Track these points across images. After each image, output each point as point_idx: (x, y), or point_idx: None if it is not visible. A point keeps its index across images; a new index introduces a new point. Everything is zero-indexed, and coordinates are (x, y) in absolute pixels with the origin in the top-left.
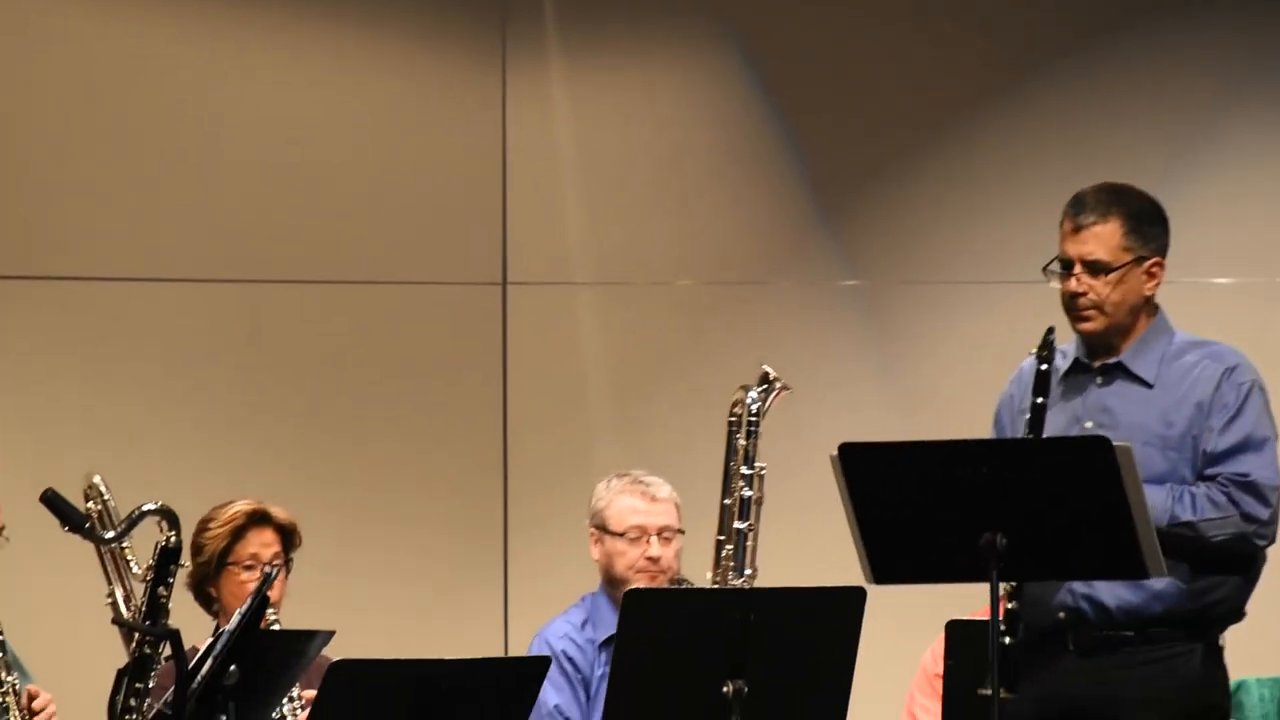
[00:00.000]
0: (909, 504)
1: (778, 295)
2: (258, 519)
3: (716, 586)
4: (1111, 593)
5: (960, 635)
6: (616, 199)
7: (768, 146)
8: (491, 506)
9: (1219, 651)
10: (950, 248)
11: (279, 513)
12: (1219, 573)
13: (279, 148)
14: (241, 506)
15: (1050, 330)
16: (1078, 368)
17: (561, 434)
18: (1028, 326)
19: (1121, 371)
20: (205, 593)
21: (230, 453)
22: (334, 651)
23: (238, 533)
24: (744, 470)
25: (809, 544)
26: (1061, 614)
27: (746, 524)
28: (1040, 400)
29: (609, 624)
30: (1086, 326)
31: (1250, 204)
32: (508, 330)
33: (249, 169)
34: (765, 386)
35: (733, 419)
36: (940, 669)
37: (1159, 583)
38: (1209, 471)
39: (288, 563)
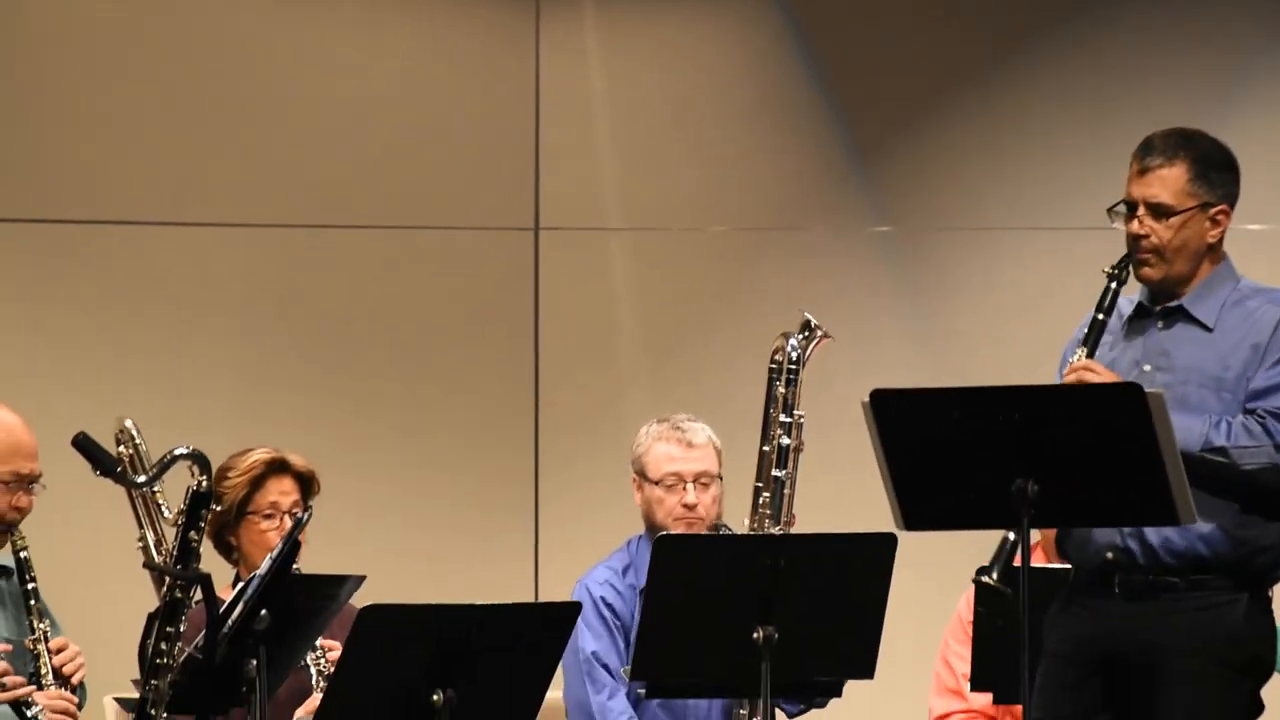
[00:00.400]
0: (940, 451)
1: (810, 241)
2: (276, 467)
3: (754, 532)
4: (1158, 533)
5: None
6: (649, 144)
7: (801, 92)
8: (523, 452)
9: (1266, 603)
10: (983, 194)
11: (298, 461)
12: (1257, 510)
13: (312, 94)
14: (260, 455)
15: (1128, 254)
16: (1141, 311)
17: (593, 380)
18: (1060, 272)
19: (1182, 315)
20: (225, 541)
21: (262, 397)
22: (365, 597)
23: (256, 482)
24: (783, 418)
25: (842, 492)
26: (1109, 554)
27: (785, 472)
28: (1100, 316)
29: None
30: (1145, 273)
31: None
32: (540, 276)
33: (282, 115)
34: (806, 334)
35: (773, 366)
36: (972, 616)
37: (1205, 526)
38: (1249, 405)
39: (308, 510)
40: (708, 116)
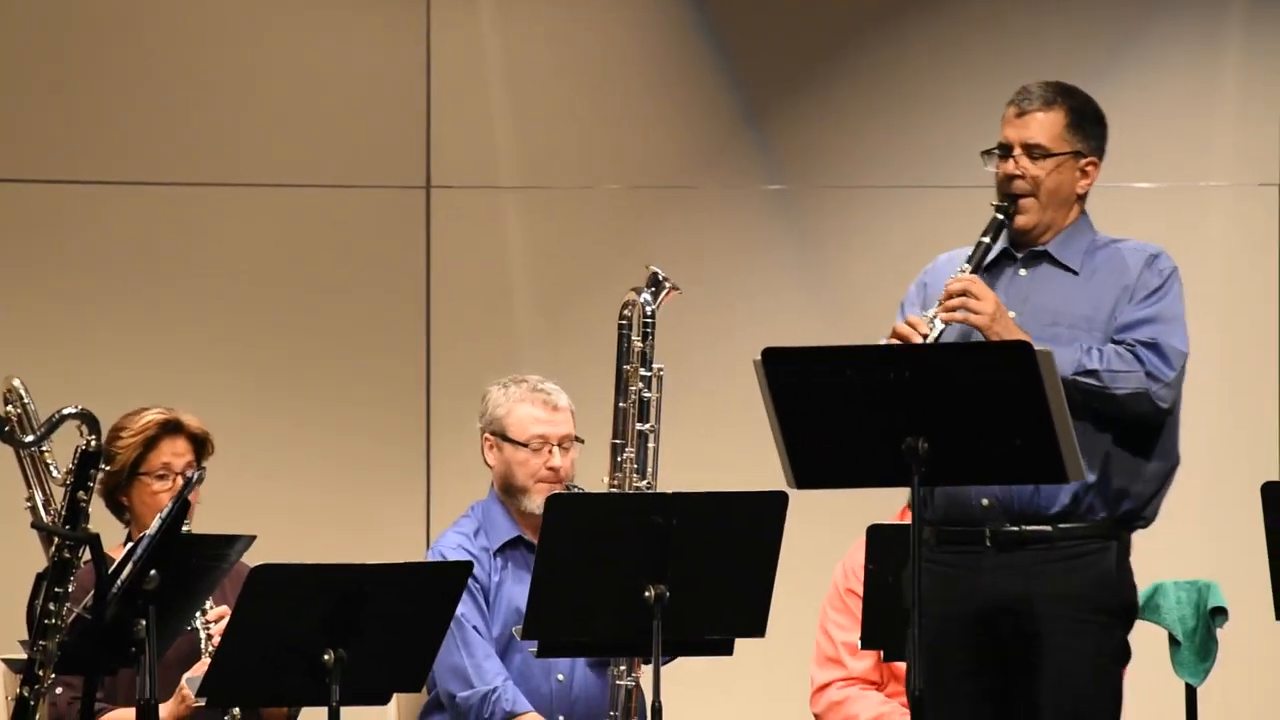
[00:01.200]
0: (831, 409)
1: (703, 200)
2: (170, 428)
3: (615, 490)
4: (1020, 495)
5: (882, 539)
6: (541, 102)
7: (693, 50)
8: (414, 412)
9: (1128, 552)
10: (874, 153)
11: (192, 421)
12: (1125, 442)
13: (201, 52)
14: (154, 416)
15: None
16: (1003, 257)
17: (485, 338)
18: (950, 230)
19: (1047, 258)
20: (117, 501)
21: (151, 356)
22: (256, 557)
23: (150, 442)
24: (643, 372)
25: (733, 449)
26: (985, 500)
27: (648, 426)
28: (985, 239)
29: (502, 530)
30: (1021, 220)
31: (1170, 108)
32: (431, 234)
33: (172, 73)
34: (655, 288)
35: (623, 321)
36: (850, 584)
37: (1058, 489)
38: (1117, 337)
39: (201, 471)
40: (600, 74)
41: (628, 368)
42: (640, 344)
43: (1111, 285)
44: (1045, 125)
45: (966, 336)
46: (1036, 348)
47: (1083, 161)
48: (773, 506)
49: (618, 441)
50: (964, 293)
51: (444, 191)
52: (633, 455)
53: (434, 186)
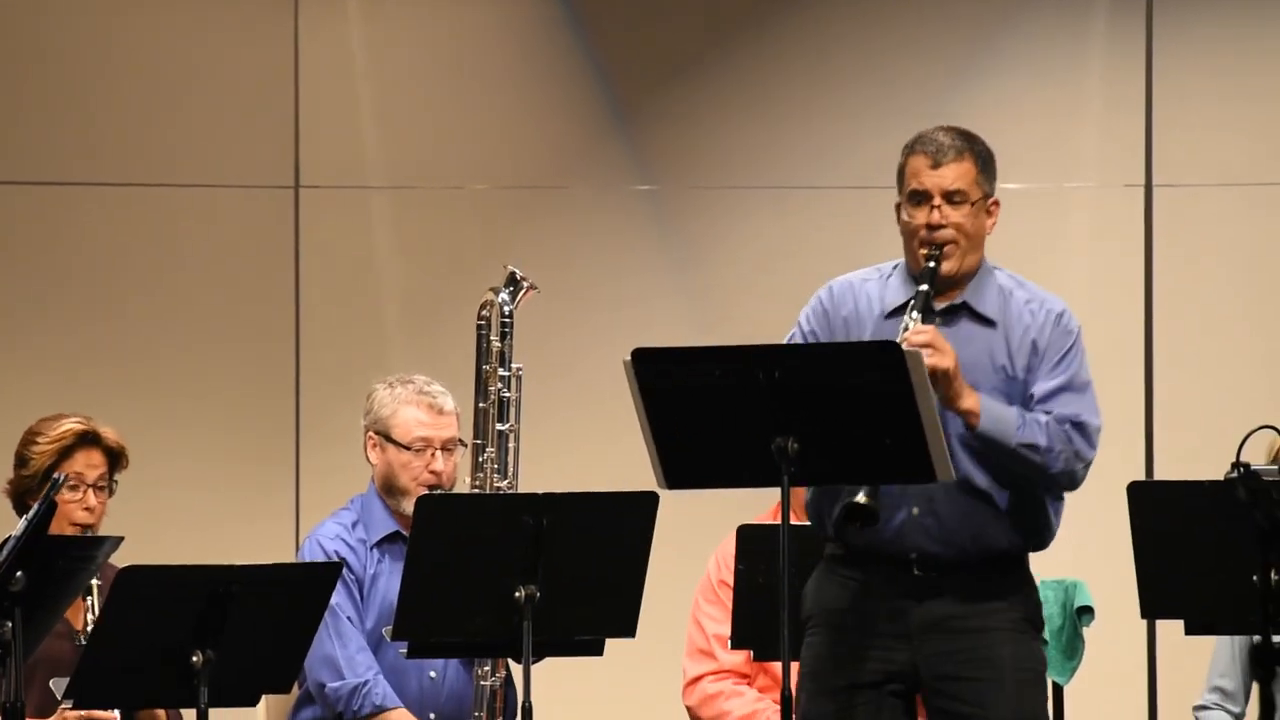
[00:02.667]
0: (701, 409)
1: (572, 200)
2: (87, 439)
3: (477, 490)
4: (958, 538)
5: (752, 539)
6: (410, 102)
7: (562, 51)
8: (284, 412)
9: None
10: (742, 154)
11: (109, 434)
12: (1035, 496)
13: (69, 49)
14: (71, 425)
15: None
16: (915, 300)
17: (354, 338)
18: (819, 229)
19: (966, 311)
20: (25, 505)
21: (19, 355)
22: (124, 557)
23: (65, 451)
24: (501, 372)
25: (605, 451)
26: (913, 554)
27: (508, 425)
28: (925, 287)
29: (381, 525)
30: (946, 266)
31: (1036, 109)
32: (300, 234)
33: (41, 72)
34: (513, 287)
35: (481, 322)
36: (723, 576)
37: (980, 534)
38: (1038, 408)
39: (112, 485)
40: (469, 73)
41: (486, 368)
42: (499, 344)
43: (1025, 340)
44: (961, 173)
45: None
46: (905, 349)
47: (989, 203)
48: (643, 507)
49: (478, 442)
50: (927, 345)
51: (313, 191)
52: (493, 455)
53: (303, 186)
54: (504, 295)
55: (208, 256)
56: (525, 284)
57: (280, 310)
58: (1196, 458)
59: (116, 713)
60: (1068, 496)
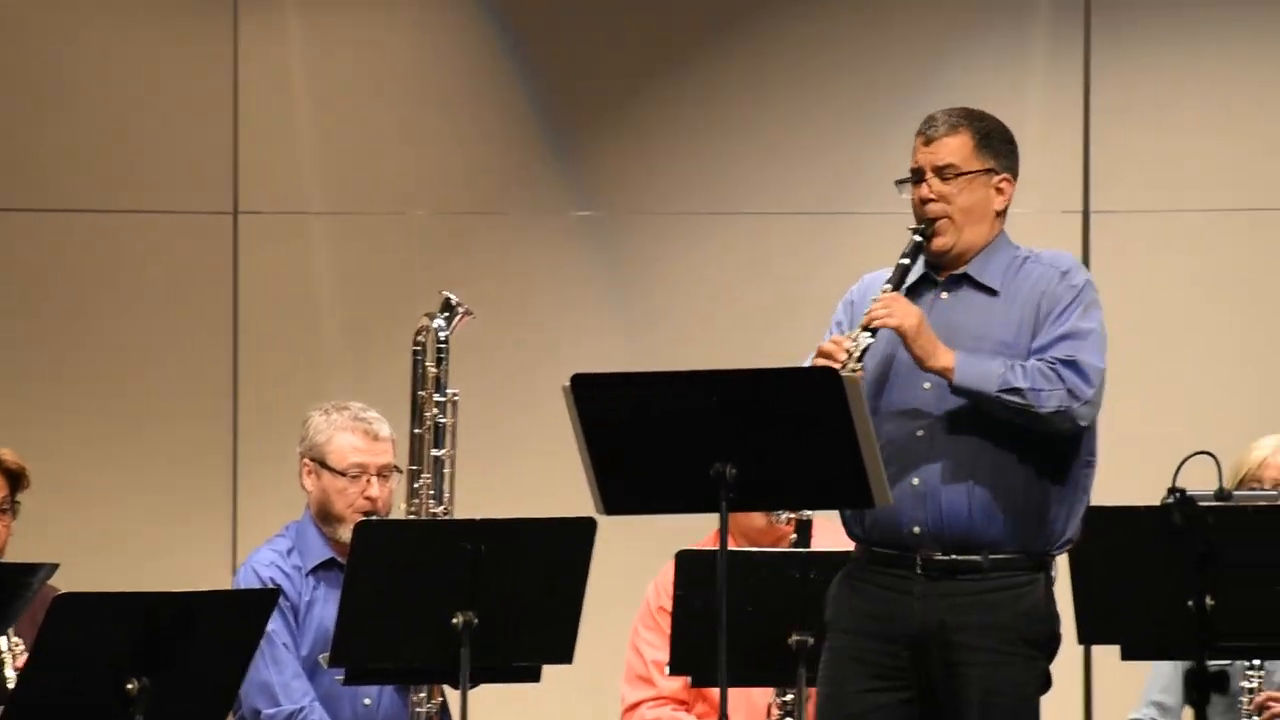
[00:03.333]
0: (640, 435)
1: (513, 226)
2: None
3: (412, 516)
4: (956, 511)
5: (691, 565)
6: (350, 128)
7: (502, 78)
8: (221, 438)
9: (1053, 583)
10: (685, 179)
11: (7, 455)
12: (1044, 461)
13: (7, 76)
14: None
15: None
16: (925, 282)
17: (293, 365)
18: (761, 256)
19: (967, 281)
20: None
21: None
22: (60, 584)
23: None
24: (437, 397)
25: (546, 476)
26: (916, 529)
27: (444, 451)
28: (905, 261)
29: (316, 552)
30: (939, 243)
31: None
32: (239, 261)
33: None
34: (449, 312)
35: (417, 348)
36: (661, 602)
37: (989, 519)
38: (1038, 354)
39: (14, 506)
40: (409, 100)
41: (422, 393)
42: (434, 369)
43: (1029, 304)
44: (954, 147)
45: (889, 360)
46: (844, 375)
47: (996, 179)
48: (581, 533)
49: (414, 468)
50: (886, 311)
51: (252, 217)
52: (429, 481)
53: (242, 212)
54: (439, 321)
55: (146, 282)
56: (461, 309)
57: (218, 336)
58: (1133, 483)
59: None
60: None
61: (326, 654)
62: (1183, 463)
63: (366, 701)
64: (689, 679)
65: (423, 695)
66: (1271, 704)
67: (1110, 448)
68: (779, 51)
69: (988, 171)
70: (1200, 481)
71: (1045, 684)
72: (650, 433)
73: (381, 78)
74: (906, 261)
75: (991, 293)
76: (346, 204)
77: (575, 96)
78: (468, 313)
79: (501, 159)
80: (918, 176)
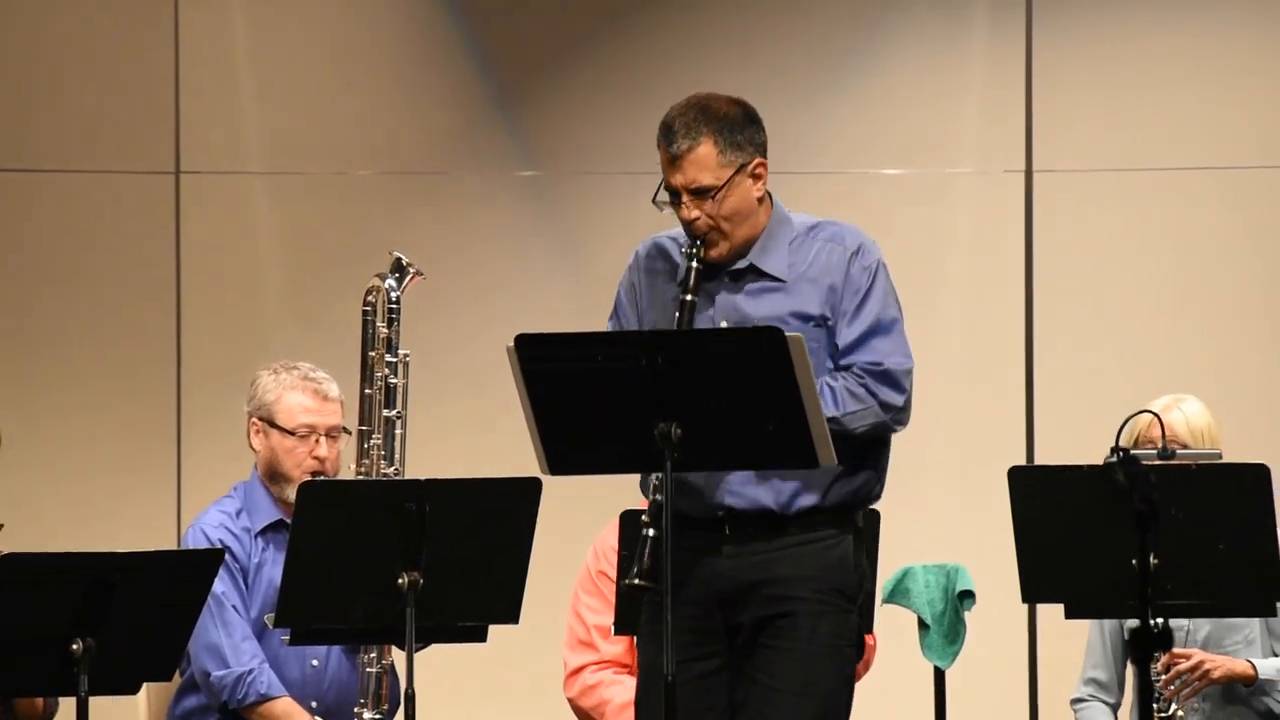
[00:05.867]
0: (584, 395)
1: (456, 186)
2: None
3: (362, 477)
4: (757, 496)
5: (634, 525)
6: (292, 88)
7: (445, 37)
8: (165, 399)
9: (861, 535)
10: (627, 138)
11: None
12: (856, 457)
13: None
14: None
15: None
16: (709, 272)
17: (236, 325)
18: None
19: (753, 273)
20: None
21: None
22: (3, 544)
23: None
24: (388, 358)
25: (486, 435)
26: (720, 512)
27: (394, 412)
28: (689, 298)
29: (265, 513)
30: (714, 254)
31: (917, 96)
32: (180, 220)
33: None
34: (399, 273)
35: (367, 308)
36: (601, 566)
37: (792, 484)
38: (844, 361)
39: None
40: (351, 59)
41: (373, 354)
42: (385, 330)
43: (818, 288)
44: (699, 162)
45: None
46: (787, 334)
47: (750, 168)
48: (526, 493)
49: (364, 429)
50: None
51: (194, 177)
52: (380, 442)
53: (183, 172)
54: (390, 281)
55: (88, 242)
56: (411, 270)
57: (161, 296)
58: (1077, 443)
59: None
60: (948, 482)
61: (272, 614)
62: (1125, 422)
63: (314, 662)
64: (631, 641)
65: (372, 655)
66: (1176, 660)
67: (1052, 409)
68: (722, 11)
69: (739, 169)
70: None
71: (858, 643)
72: (594, 393)
73: (324, 36)
74: (690, 298)
75: (778, 281)
76: (289, 164)
77: (517, 56)
78: (418, 273)
79: (444, 119)
80: (676, 195)
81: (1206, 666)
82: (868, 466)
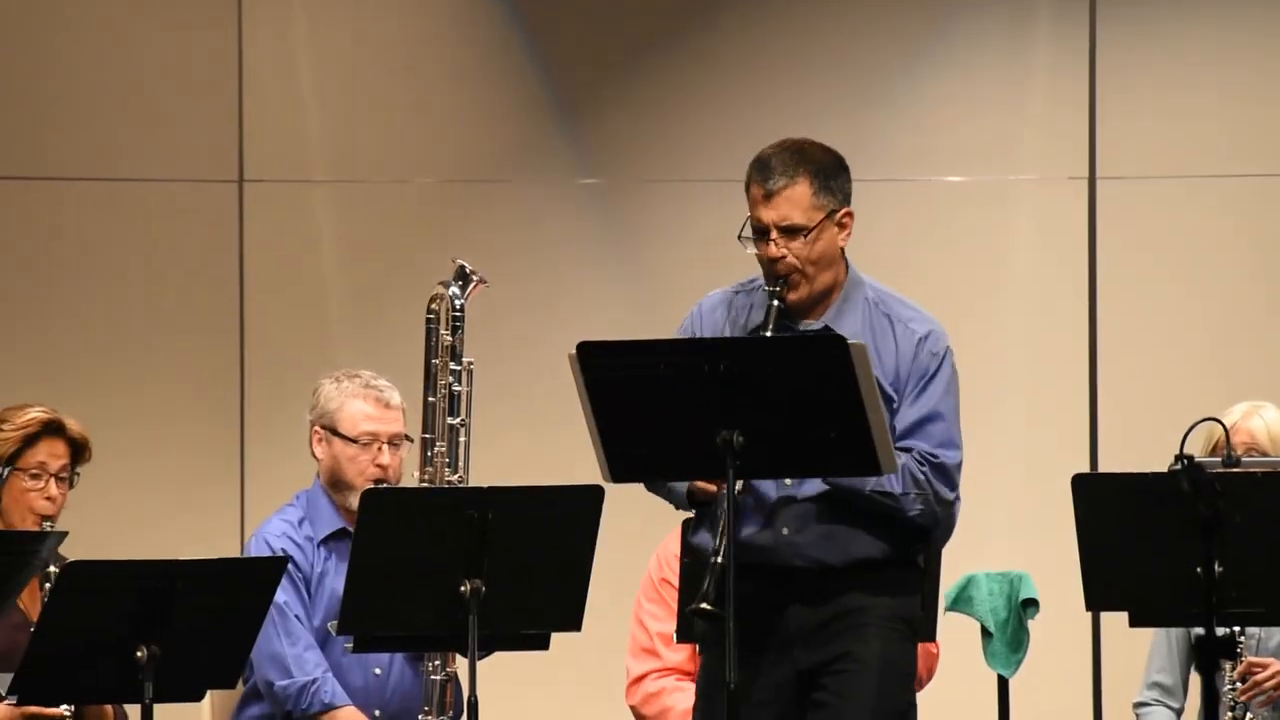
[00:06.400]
0: (646, 402)
1: (517, 194)
2: (53, 429)
3: (426, 484)
4: (822, 556)
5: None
6: (355, 96)
7: (507, 44)
8: (229, 407)
9: (920, 570)
10: (689, 147)
11: (74, 425)
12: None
13: (8, 42)
14: (37, 414)
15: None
16: (780, 328)
17: (299, 334)
18: None
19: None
20: None
21: None
22: (69, 552)
23: (30, 439)
24: (452, 366)
25: (553, 444)
26: (784, 568)
27: (459, 419)
28: (770, 334)
29: (327, 522)
30: (794, 297)
31: (980, 102)
32: (244, 228)
33: None
34: (463, 281)
35: (431, 315)
36: (664, 574)
37: (866, 546)
38: (904, 443)
39: (73, 477)
40: (413, 67)
41: (436, 362)
42: (449, 338)
43: (888, 367)
44: (795, 200)
45: None
46: (850, 341)
47: (838, 216)
48: (588, 500)
49: (428, 436)
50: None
51: (257, 185)
52: (444, 450)
53: (247, 181)
54: (454, 289)
55: (152, 251)
56: (475, 278)
57: (225, 305)
58: (1141, 450)
59: (69, 708)
60: (1012, 490)
61: (335, 621)
62: (1190, 429)
63: (377, 671)
64: (694, 648)
65: (436, 663)
66: (1255, 670)
67: (1116, 415)
68: (786, 18)
69: (830, 215)
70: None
71: (915, 670)
72: (656, 400)
73: (386, 45)
74: (769, 334)
75: None
76: (351, 172)
77: (580, 64)
78: (482, 280)
79: (507, 126)
80: (762, 233)
81: None
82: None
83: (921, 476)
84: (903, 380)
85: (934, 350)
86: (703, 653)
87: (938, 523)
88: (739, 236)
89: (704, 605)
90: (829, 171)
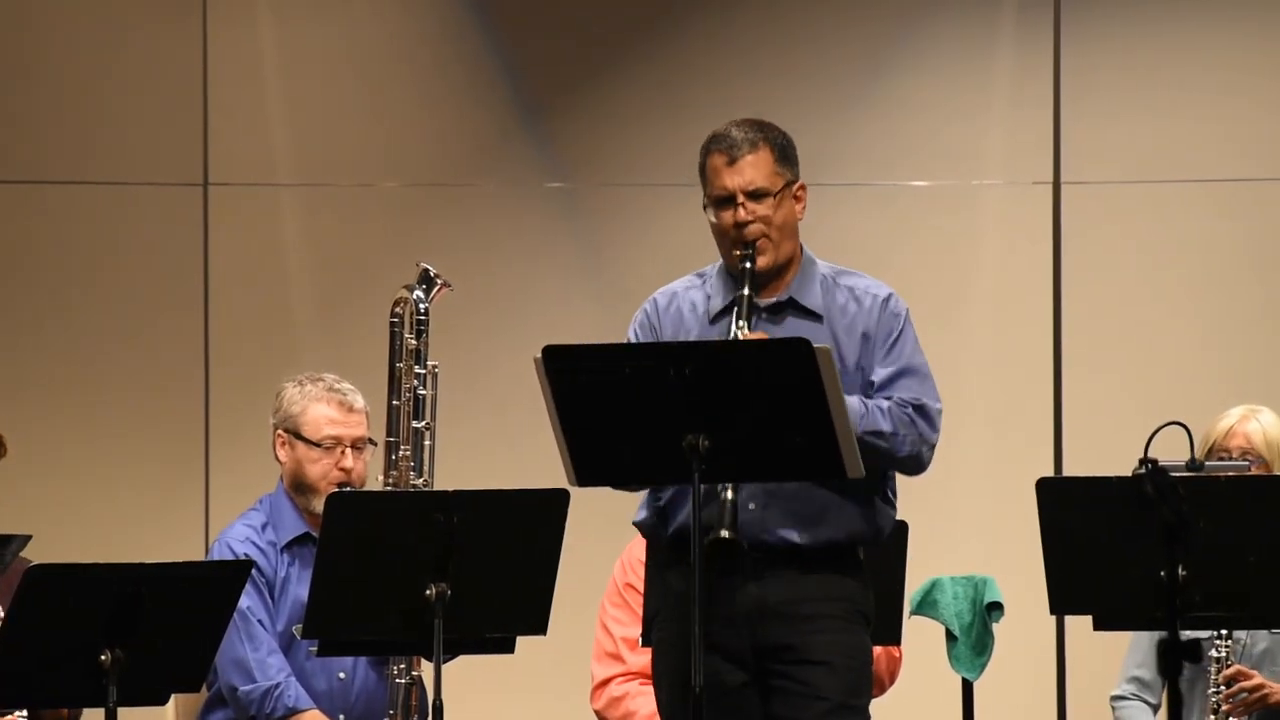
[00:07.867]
0: (612, 406)
1: (483, 197)
2: None
3: (391, 488)
4: (788, 536)
5: None
6: (320, 100)
7: (472, 48)
8: (193, 412)
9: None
10: (654, 151)
11: None
12: (882, 480)
13: None
14: None
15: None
16: (742, 306)
17: (264, 337)
18: None
19: (792, 307)
20: None
21: None
22: (33, 555)
23: None
24: (417, 369)
25: (514, 446)
26: (747, 543)
27: (424, 423)
28: (748, 292)
29: (290, 526)
30: (763, 261)
31: (944, 107)
32: (209, 232)
33: None
34: (427, 284)
35: (395, 319)
36: (629, 579)
37: (831, 529)
38: (880, 396)
39: None
40: (379, 70)
41: (400, 365)
42: (413, 341)
43: (853, 332)
44: (759, 165)
45: None
46: (815, 346)
47: (794, 189)
48: (554, 504)
49: (392, 440)
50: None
51: (222, 189)
52: (409, 453)
53: (212, 184)
54: (418, 292)
55: (117, 253)
56: (439, 281)
57: (189, 308)
58: (1105, 454)
59: (23, 712)
60: (976, 493)
61: (300, 625)
62: (1154, 433)
63: (341, 675)
64: None
65: (401, 667)
66: (1241, 678)
67: (1081, 420)
68: (749, 24)
69: (788, 185)
70: (1172, 452)
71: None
72: (622, 404)
73: (351, 48)
74: (747, 293)
75: (816, 318)
76: (316, 176)
77: (545, 67)
78: (446, 284)
79: (472, 130)
80: (727, 200)
81: (1265, 691)
82: (886, 509)
83: (907, 418)
84: (871, 339)
85: (895, 311)
86: (655, 644)
87: (922, 467)
88: (703, 205)
89: (723, 534)
90: (785, 145)
